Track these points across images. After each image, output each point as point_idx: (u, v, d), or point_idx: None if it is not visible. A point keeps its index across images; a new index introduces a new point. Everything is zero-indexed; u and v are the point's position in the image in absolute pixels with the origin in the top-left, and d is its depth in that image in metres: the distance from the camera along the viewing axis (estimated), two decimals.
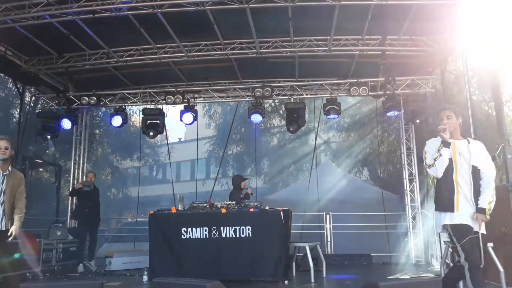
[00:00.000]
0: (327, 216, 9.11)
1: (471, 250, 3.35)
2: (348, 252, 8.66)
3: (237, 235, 6.03)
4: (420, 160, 9.20)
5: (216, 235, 6.08)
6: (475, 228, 3.45)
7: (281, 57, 8.29)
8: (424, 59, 8.26)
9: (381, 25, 7.38)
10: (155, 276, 5.82)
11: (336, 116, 9.36)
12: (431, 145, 3.69)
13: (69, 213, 9.52)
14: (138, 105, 10.24)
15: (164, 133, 9.90)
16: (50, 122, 9.21)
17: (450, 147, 3.54)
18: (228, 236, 6.05)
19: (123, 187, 23.33)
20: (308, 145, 18.35)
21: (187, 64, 8.76)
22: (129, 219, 18.75)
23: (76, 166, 10.05)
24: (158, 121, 9.43)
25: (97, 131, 17.54)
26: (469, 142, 3.66)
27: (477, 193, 3.52)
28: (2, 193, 4.30)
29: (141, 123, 9.87)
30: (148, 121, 9.44)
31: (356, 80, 8.83)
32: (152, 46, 8.21)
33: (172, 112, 10.01)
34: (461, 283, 4.55)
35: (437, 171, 3.59)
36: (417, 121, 8.82)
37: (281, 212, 6.01)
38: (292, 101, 9.32)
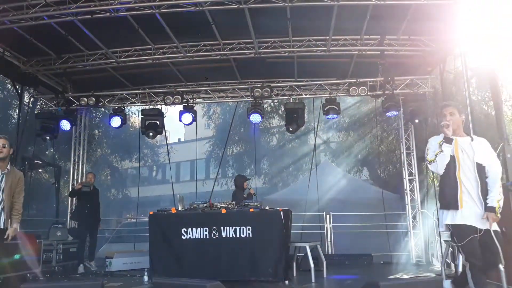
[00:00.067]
0: (327, 216, 9.11)
1: (471, 250, 3.33)
2: (348, 252, 8.66)
3: (237, 235, 6.02)
4: (420, 159, 9.30)
5: (216, 235, 6.08)
6: (482, 227, 3.38)
7: (280, 57, 8.28)
8: (423, 59, 8.26)
9: (379, 25, 7.37)
10: (155, 276, 5.83)
11: (336, 116, 9.37)
12: (433, 142, 3.66)
13: (69, 213, 9.52)
14: (137, 105, 10.26)
15: (164, 133, 9.88)
16: (49, 123, 9.19)
17: (452, 143, 3.51)
18: (228, 236, 6.05)
19: (122, 187, 23.34)
20: (308, 145, 18.37)
21: (186, 65, 8.75)
22: (129, 219, 18.74)
23: (76, 167, 10.05)
24: (157, 122, 9.43)
25: (96, 131, 17.53)
26: (472, 139, 3.61)
27: (484, 191, 3.45)
28: (1, 192, 4.30)
29: (140, 124, 9.86)
30: (147, 122, 9.43)
31: (355, 80, 8.83)
32: (150, 46, 8.20)
33: (171, 113, 10.03)
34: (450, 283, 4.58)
35: (438, 167, 3.55)
36: (416, 120, 8.83)
37: (281, 212, 6.00)
38: (291, 101, 9.32)
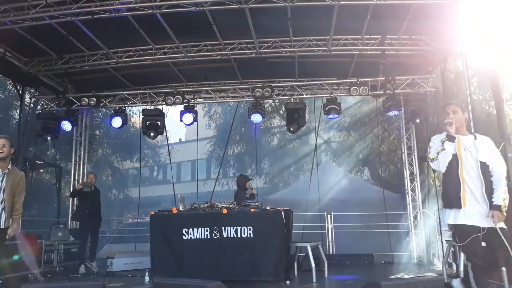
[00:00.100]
0: (328, 216, 9.10)
1: (473, 250, 3.31)
2: (349, 252, 8.64)
3: (238, 236, 6.01)
4: (421, 159, 9.29)
5: (217, 235, 6.07)
6: (486, 225, 3.35)
7: (281, 57, 8.28)
8: (423, 59, 8.25)
9: (380, 25, 7.37)
10: (156, 276, 5.83)
11: (337, 115, 9.37)
12: (436, 140, 3.63)
13: (70, 214, 9.53)
14: (138, 106, 10.24)
15: (164, 133, 9.89)
16: (50, 123, 9.19)
17: (455, 141, 3.48)
18: (229, 236, 6.04)
19: (123, 188, 23.36)
20: (309, 145, 18.36)
21: (186, 65, 8.74)
22: (130, 220, 18.77)
23: (77, 167, 10.06)
24: (158, 122, 9.43)
25: (97, 132, 17.55)
26: (476, 138, 3.58)
27: (489, 190, 3.42)
28: (2, 192, 4.30)
29: (141, 124, 9.87)
30: (148, 122, 9.43)
31: (356, 80, 8.83)
32: (151, 46, 8.21)
33: (172, 113, 10.04)
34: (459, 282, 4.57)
35: (440, 165, 3.53)
36: (418, 120, 8.83)
37: (282, 212, 5.99)
38: (292, 101, 9.32)
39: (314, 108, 10.79)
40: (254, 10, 6.74)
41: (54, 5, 6.54)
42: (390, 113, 8.94)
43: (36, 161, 10.28)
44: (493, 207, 3.36)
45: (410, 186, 9.14)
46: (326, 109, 8.98)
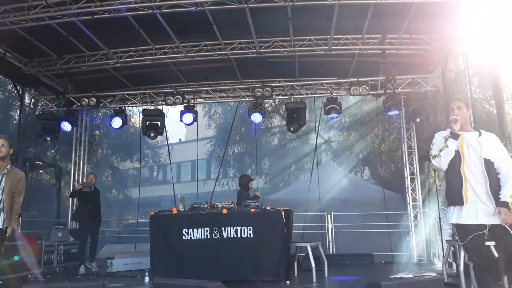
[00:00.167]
0: (329, 215, 9.10)
1: (474, 249, 3.27)
2: (350, 252, 8.64)
3: (238, 236, 6.01)
4: (422, 158, 9.27)
5: (217, 235, 6.06)
6: (492, 222, 3.28)
7: (281, 56, 8.27)
8: (424, 58, 8.24)
9: (381, 24, 7.36)
10: (156, 277, 5.82)
11: (337, 115, 9.36)
12: (439, 137, 3.56)
13: (70, 214, 9.52)
14: (138, 106, 10.24)
15: (164, 134, 9.88)
16: (50, 124, 9.18)
17: (458, 139, 3.42)
18: (229, 236, 6.03)
19: (123, 188, 23.35)
20: (309, 144, 18.33)
21: (186, 65, 8.74)
22: (129, 220, 18.77)
23: (77, 168, 10.05)
24: (158, 122, 9.42)
25: (97, 132, 17.55)
26: (480, 134, 3.51)
27: (493, 187, 3.34)
28: (1, 192, 4.30)
29: (141, 124, 9.86)
30: (148, 122, 9.42)
31: (356, 79, 8.82)
32: (151, 47, 8.20)
33: (172, 113, 10.02)
34: (463, 281, 4.56)
35: (441, 162, 3.47)
36: (418, 119, 8.83)
37: (282, 212, 5.99)
38: (292, 100, 9.31)
39: (314, 108, 10.78)
40: (254, 10, 6.73)
41: (54, 5, 6.53)
42: (390, 113, 8.93)
43: (36, 162, 10.27)
44: (500, 203, 3.28)
45: (411, 185, 9.13)
46: (327, 108, 8.97)
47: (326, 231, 9.06)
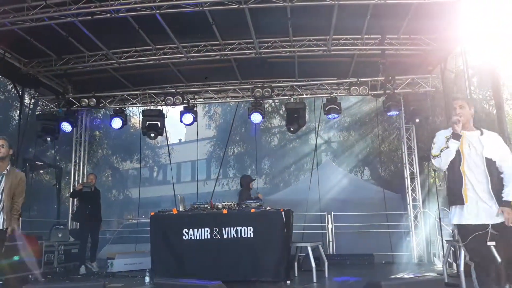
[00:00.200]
0: (329, 216, 9.10)
1: (475, 249, 3.24)
2: (350, 252, 8.64)
3: (239, 236, 6.01)
4: (421, 158, 9.28)
5: (218, 235, 6.06)
6: (494, 221, 3.25)
7: (281, 57, 8.27)
8: (423, 58, 8.24)
9: (380, 24, 7.36)
10: (156, 277, 5.83)
11: (337, 115, 9.36)
12: (440, 137, 3.52)
13: (70, 215, 9.53)
14: (138, 106, 10.25)
15: (164, 134, 9.88)
16: (50, 124, 9.18)
17: (460, 140, 3.38)
18: (229, 236, 6.03)
19: (123, 188, 23.36)
20: (309, 145, 18.35)
21: (186, 65, 8.74)
22: (130, 220, 18.77)
23: (77, 168, 10.05)
24: (158, 123, 9.41)
25: (97, 132, 17.55)
26: (482, 133, 3.48)
27: (495, 186, 3.32)
28: (1, 193, 4.30)
29: (141, 125, 9.86)
30: (148, 123, 9.42)
31: (356, 80, 8.82)
32: (151, 47, 8.20)
33: (172, 113, 10.01)
34: (464, 281, 4.56)
35: (441, 162, 3.44)
36: (417, 120, 8.82)
37: (283, 213, 5.99)
38: (292, 101, 9.31)
39: (314, 108, 10.79)
40: (254, 10, 6.73)
41: (53, 6, 6.54)
42: (390, 113, 8.93)
43: (36, 162, 10.29)
44: (503, 203, 3.25)
45: (411, 185, 9.13)
46: (326, 109, 8.98)
47: (326, 231, 9.06)
